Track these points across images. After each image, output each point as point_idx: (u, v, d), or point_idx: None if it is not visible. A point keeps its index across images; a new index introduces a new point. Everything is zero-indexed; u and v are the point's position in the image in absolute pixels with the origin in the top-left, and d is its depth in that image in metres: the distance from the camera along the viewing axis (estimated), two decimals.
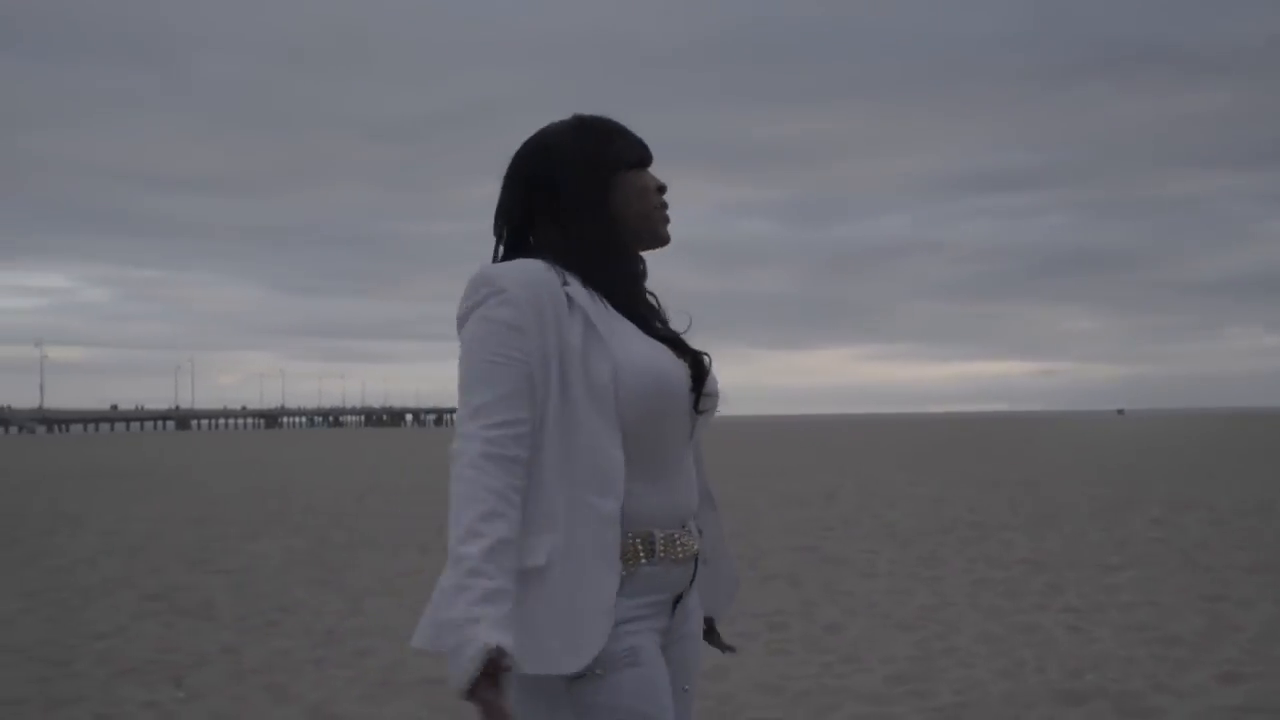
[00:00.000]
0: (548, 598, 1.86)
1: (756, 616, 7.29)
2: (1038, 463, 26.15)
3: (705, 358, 2.06)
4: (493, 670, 1.74)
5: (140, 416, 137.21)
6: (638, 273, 2.11)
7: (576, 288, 1.96)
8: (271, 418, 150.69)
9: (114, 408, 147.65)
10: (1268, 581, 8.45)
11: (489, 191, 2.12)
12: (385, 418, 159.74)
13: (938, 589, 8.44)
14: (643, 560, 1.95)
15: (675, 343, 2.05)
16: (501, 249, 2.08)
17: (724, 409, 2.15)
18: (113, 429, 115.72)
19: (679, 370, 2.00)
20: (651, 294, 2.13)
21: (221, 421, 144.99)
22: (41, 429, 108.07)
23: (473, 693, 1.74)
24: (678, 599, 2.03)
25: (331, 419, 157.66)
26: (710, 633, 2.26)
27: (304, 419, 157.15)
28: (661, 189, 2.10)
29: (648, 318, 2.06)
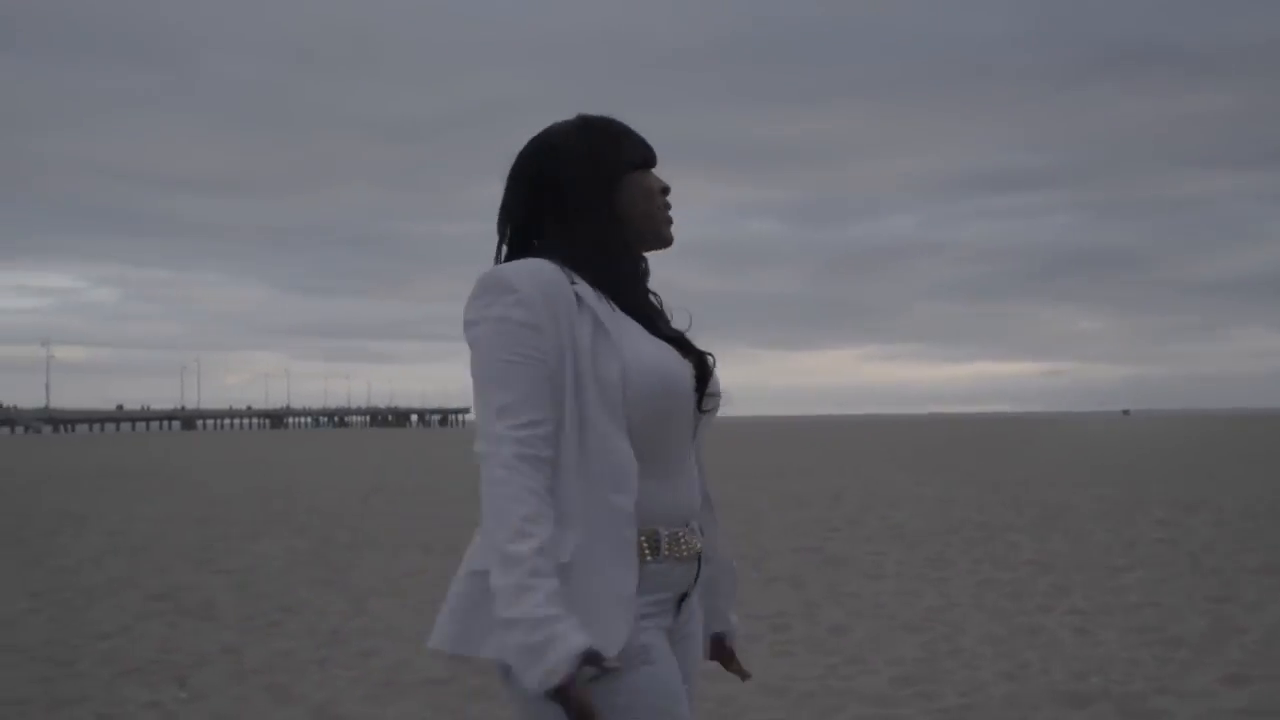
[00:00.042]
0: (573, 594, 1.86)
1: (760, 618, 7.28)
2: (1043, 464, 26.12)
3: (709, 358, 2.08)
4: (582, 670, 1.76)
5: (146, 416, 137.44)
6: (642, 273, 2.12)
7: (584, 287, 1.97)
8: (277, 418, 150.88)
9: (119, 408, 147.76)
10: (1274, 583, 8.43)
11: (495, 192, 2.12)
12: (390, 418, 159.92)
13: (943, 590, 8.43)
14: (649, 558, 1.95)
15: (680, 343, 2.06)
16: (505, 248, 2.09)
17: (728, 410, 2.17)
18: (118, 429, 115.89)
19: (684, 370, 2.01)
20: (654, 294, 2.13)
21: (227, 422, 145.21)
22: (47, 429, 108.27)
23: (561, 691, 1.75)
24: (682, 598, 2.04)
25: (337, 419, 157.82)
26: (730, 659, 2.30)
27: (309, 419, 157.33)
28: (665, 190, 2.11)
29: (653, 318, 2.07)
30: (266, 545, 11.68)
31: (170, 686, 5.85)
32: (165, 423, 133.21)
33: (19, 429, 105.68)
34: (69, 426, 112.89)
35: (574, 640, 1.75)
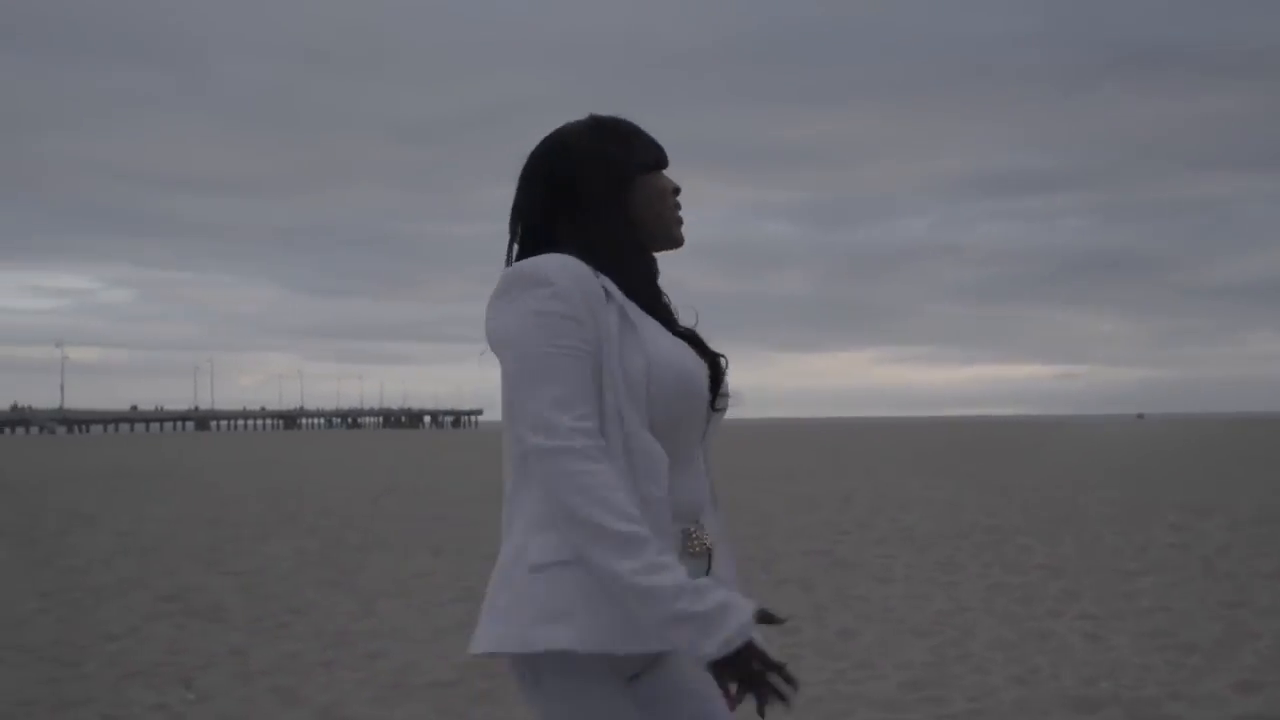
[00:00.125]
0: None
1: None
2: (1055, 467, 26.03)
3: (722, 359, 2.11)
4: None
5: (160, 417, 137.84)
6: (655, 273, 2.14)
7: (608, 281, 2.00)
8: (290, 419, 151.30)
9: (134, 408, 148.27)
10: None
11: (507, 193, 2.13)
12: (403, 419, 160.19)
13: (953, 594, 8.39)
14: None
15: (694, 341, 2.10)
16: (516, 247, 2.10)
17: (739, 411, 2.22)
18: (132, 429, 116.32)
19: (701, 369, 2.05)
20: (663, 293, 2.16)
21: (240, 422, 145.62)
22: (61, 429, 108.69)
23: (742, 653, 1.80)
24: None
25: (350, 420, 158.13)
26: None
27: (322, 420, 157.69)
28: (676, 190, 2.14)
29: (668, 317, 2.10)
30: (276, 546, 11.69)
31: (177, 688, 5.84)
32: (179, 423, 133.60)
33: (33, 429, 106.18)
34: (83, 427, 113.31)
35: (744, 602, 1.82)
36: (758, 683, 1.83)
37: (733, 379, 2.14)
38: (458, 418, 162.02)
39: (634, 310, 2.00)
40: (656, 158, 2.12)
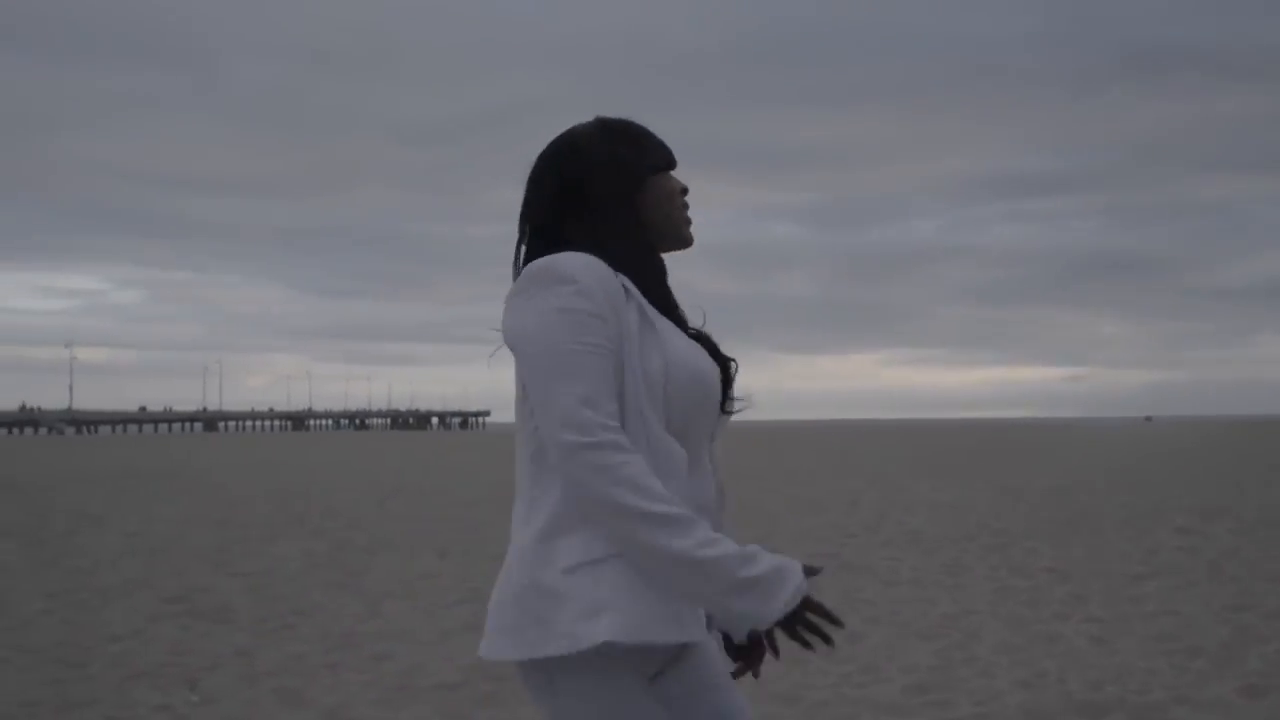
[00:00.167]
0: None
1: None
2: (1063, 469, 25.97)
3: (733, 363, 2.13)
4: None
5: (168, 418, 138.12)
6: (666, 273, 2.15)
7: (626, 279, 2.01)
8: (298, 420, 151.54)
9: (142, 409, 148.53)
10: None
11: (516, 194, 2.14)
12: (411, 421, 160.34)
13: (959, 597, 8.37)
14: None
15: (706, 344, 2.11)
16: (524, 248, 2.10)
17: (748, 413, 2.22)
18: (140, 430, 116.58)
19: (714, 371, 2.07)
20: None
21: (248, 424, 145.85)
22: (70, 430, 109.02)
23: (800, 609, 1.91)
24: None
25: (357, 421, 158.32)
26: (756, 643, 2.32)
27: (330, 421, 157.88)
28: (685, 191, 2.15)
29: (680, 318, 2.12)
30: (283, 547, 11.70)
31: (181, 689, 5.85)
32: (188, 424, 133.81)
33: (42, 430, 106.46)
34: (92, 428, 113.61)
35: (790, 560, 1.91)
36: (813, 631, 1.92)
37: (741, 381, 2.16)
38: (465, 419, 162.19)
39: (651, 310, 2.01)
40: (666, 159, 2.13)
